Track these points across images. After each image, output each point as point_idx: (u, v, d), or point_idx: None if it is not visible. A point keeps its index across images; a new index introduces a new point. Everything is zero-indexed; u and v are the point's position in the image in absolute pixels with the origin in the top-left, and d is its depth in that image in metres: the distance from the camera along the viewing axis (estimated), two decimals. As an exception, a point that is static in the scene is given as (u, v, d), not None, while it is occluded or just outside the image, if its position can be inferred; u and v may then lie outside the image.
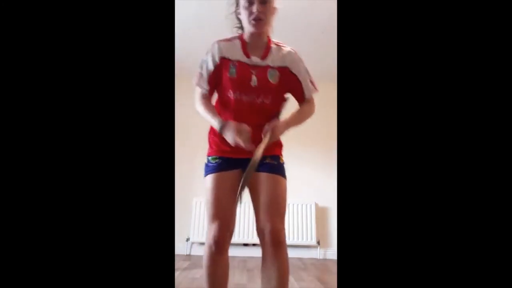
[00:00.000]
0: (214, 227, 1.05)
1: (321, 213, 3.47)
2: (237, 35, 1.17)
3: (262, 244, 1.05)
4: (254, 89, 1.09)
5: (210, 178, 1.10)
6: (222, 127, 1.04)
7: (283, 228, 1.05)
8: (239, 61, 1.10)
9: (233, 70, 1.10)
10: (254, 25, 1.07)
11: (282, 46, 1.16)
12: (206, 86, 1.14)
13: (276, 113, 1.16)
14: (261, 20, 1.07)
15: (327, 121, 3.48)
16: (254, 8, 1.05)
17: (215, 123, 1.08)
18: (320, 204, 3.50)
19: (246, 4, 1.07)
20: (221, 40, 1.14)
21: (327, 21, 2.59)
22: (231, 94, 1.11)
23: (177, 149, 3.28)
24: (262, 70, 1.10)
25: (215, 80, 1.13)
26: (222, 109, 1.17)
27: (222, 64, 1.11)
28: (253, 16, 1.06)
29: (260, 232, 1.04)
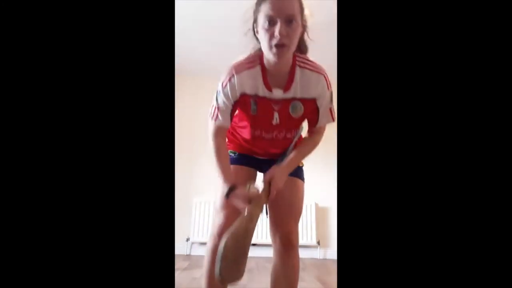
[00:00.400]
0: (220, 217, 1.03)
1: (321, 213, 3.47)
2: (256, 54, 0.96)
3: (275, 246, 1.03)
4: (275, 126, 0.99)
5: None
6: (229, 193, 0.95)
7: (297, 231, 1.04)
8: (259, 97, 0.95)
9: (254, 107, 0.96)
10: (276, 54, 0.85)
11: (310, 68, 0.95)
12: (227, 122, 0.99)
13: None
14: (284, 47, 0.85)
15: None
16: (277, 30, 0.83)
17: (222, 182, 0.98)
18: (320, 204, 3.50)
19: (266, 25, 0.85)
20: (240, 67, 0.94)
21: (327, 21, 2.59)
22: (252, 129, 1.03)
23: (177, 149, 3.29)
24: (284, 105, 0.96)
25: (234, 112, 1.00)
26: (240, 130, 1.09)
27: (242, 99, 0.96)
28: (275, 41, 0.84)
29: (274, 233, 1.03)
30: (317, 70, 0.96)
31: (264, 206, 0.97)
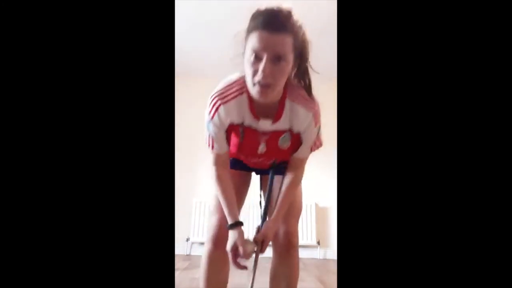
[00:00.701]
0: (213, 220, 1.03)
1: (321, 213, 3.47)
2: (243, 80, 0.87)
3: (275, 246, 1.03)
4: (261, 155, 0.97)
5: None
6: (230, 228, 0.94)
7: (297, 231, 1.04)
8: (245, 127, 0.90)
9: (242, 135, 0.92)
10: (258, 92, 0.77)
11: (301, 103, 0.87)
12: (225, 148, 0.95)
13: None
14: (268, 87, 0.76)
15: (327, 121, 3.48)
16: (261, 68, 0.74)
17: (227, 215, 0.96)
18: (320, 204, 3.50)
19: (252, 59, 0.76)
20: (225, 97, 0.87)
21: (327, 21, 2.59)
22: (237, 154, 1.02)
23: (177, 149, 3.29)
24: (272, 137, 0.91)
25: (230, 138, 0.96)
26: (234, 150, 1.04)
27: (230, 128, 0.92)
28: (257, 78, 0.76)
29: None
30: (307, 106, 0.89)
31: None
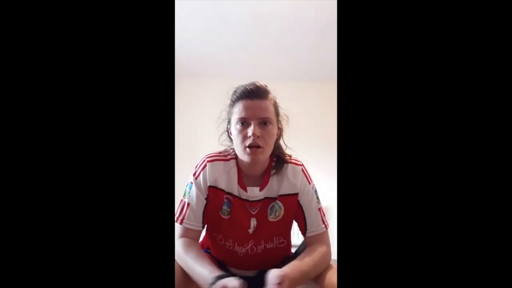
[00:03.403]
0: (177, 243, 0.83)
1: (321, 213, 3.47)
2: (232, 152, 0.88)
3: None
4: (252, 236, 0.83)
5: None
6: (215, 283, 0.69)
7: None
8: (233, 196, 0.83)
9: (227, 209, 0.82)
10: (249, 154, 0.78)
11: (286, 162, 0.85)
12: (199, 224, 0.81)
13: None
14: (258, 148, 0.78)
15: (327, 121, 3.48)
16: (250, 131, 0.77)
17: (203, 276, 0.71)
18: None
19: (239, 126, 0.79)
20: (214, 157, 0.85)
21: (327, 21, 2.59)
22: (221, 239, 0.85)
23: (177, 150, 3.28)
24: (262, 208, 0.83)
25: (207, 214, 0.82)
26: (212, 245, 0.90)
27: (213, 193, 0.83)
28: (248, 142, 0.78)
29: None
30: (292, 161, 0.87)
31: None
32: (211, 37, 2.88)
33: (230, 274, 0.73)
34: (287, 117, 0.88)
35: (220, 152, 0.89)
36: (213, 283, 0.69)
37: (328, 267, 0.82)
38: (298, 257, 0.80)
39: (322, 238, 0.85)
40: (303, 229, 0.87)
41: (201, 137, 3.52)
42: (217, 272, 0.72)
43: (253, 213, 0.83)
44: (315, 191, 0.87)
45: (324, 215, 0.87)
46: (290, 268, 0.74)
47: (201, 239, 0.91)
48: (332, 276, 0.78)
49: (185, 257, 0.76)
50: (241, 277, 0.76)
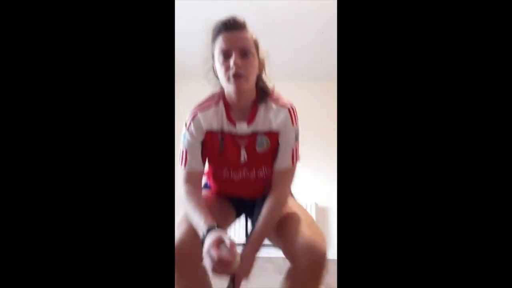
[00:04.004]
0: (177, 233, 0.88)
1: (321, 213, 3.47)
2: (218, 93, 0.96)
3: (296, 271, 0.91)
4: (244, 164, 0.94)
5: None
6: (205, 236, 0.78)
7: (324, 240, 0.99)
8: (225, 133, 0.93)
9: (221, 144, 0.92)
10: (233, 84, 0.85)
11: (275, 101, 0.93)
12: (199, 165, 0.94)
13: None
14: (240, 77, 0.84)
15: (327, 121, 3.48)
16: (232, 61, 0.84)
17: (200, 226, 0.82)
18: (320, 204, 3.50)
19: (221, 57, 0.86)
20: (203, 106, 0.94)
21: (327, 21, 2.59)
22: (218, 170, 0.98)
23: (177, 149, 3.28)
24: (250, 140, 0.92)
25: (205, 155, 0.95)
26: (213, 178, 1.04)
27: (209, 137, 0.93)
28: (231, 72, 0.84)
29: (293, 254, 0.89)
30: (280, 103, 0.93)
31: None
32: (211, 37, 2.88)
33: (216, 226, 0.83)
34: (267, 52, 0.94)
35: (208, 97, 0.97)
36: (204, 235, 0.79)
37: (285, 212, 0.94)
38: (255, 233, 0.89)
39: (285, 173, 0.94)
40: (273, 161, 0.96)
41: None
42: (209, 222, 0.82)
43: (243, 145, 0.93)
44: (297, 132, 0.94)
45: (297, 154, 0.95)
46: (245, 256, 0.85)
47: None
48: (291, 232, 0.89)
49: (187, 205, 0.89)
50: (237, 200, 1.04)
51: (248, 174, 0.96)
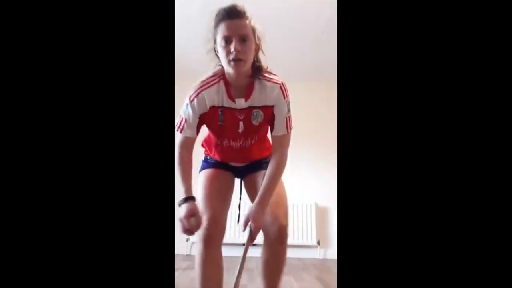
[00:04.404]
0: (205, 219, 1.04)
1: (321, 213, 3.47)
2: (218, 71, 1.09)
3: (267, 240, 1.12)
4: (241, 134, 1.11)
5: (205, 172, 1.21)
6: (181, 204, 1.01)
7: (288, 225, 1.12)
8: (225, 108, 1.07)
9: (222, 117, 1.07)
10: (233, 67, 0.97)
11: (266, 79, 1.07)
12: (194, 133, 1.09)
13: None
14: (240, 61, 0.97)
15: (327, 121, 3.48)
16: (232, 47, 0.95)
17: (182, 191, 1.04)
18: (320, 204, 3.49)
19: (223, 43, 0.97)
20: (206, 84, 1.06)
21: (327, 21, 2.59)
22: (220, 139, 1.14)
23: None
24: (247, 113, 1.07)
25: (201, 124, 1.11)
26: (211, 144, 1.20)
27: (211, 111, 1.07)
28: (231, 57, 0.96)
29: (269, 228, 1.09)
30: (272, 81, 1.07)
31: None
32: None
33: (193, 198, 1.03)
34: (263, 33, 1.07)
35: (211, 76, 1.09)
36: (179, 204, 1.01)
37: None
38: (263, 187, 1.09)
39: (282, 138, 1.12)
40: (272, 130, 1.14)
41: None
42: (189, 194, 1.03)
43: (241, 118, 1.08)
44: (288, 104, 1.10)
45: (290, 123, 1.12)
46: (254, 208, 1.06)
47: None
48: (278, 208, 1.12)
49: (176, 169, 1.07)
50: (234, 167, 1.23)
51: (244, 143, 1.13)
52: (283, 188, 1.19)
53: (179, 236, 3.35)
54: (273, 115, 1.09)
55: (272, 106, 1.08)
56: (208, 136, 1.23)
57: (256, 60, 1.07)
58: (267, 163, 1.13)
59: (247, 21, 0.99)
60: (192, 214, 0.98)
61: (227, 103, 1.06)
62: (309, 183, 3.49)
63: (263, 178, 1.10)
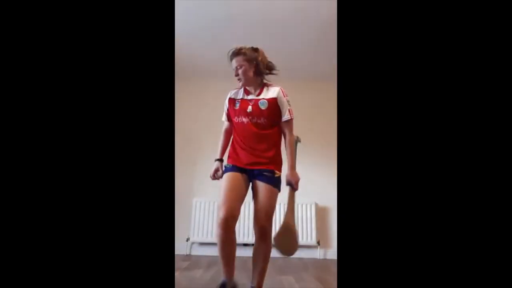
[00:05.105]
0: (223, 209, 1.42)
1: (321, 213, 3.47)
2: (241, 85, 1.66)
3: (255, 236, 1.54)
4: (250, 113, 1.60)
5: (226, 175, 1.56)
6: (215, 161, 1.64)
7: (270, 226, 1.51)
8: (241, 99, 1.65)
9: (238, 104, 1.64)
10: (238, 83, 1.61)
11: (271, 85, 1.65)
12: (225, 120, 1.71)
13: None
14: (240, 81, 1.58)
15: (327, 121, 3.48)
16: (235, 73, 1.58)
17: (218, 153, 1.68)
18: (320, 204, 3.50)
19: (234, 71, 1.59)
20: (235, 89, 1.68)
21: (327, 21, 2.59)
22: (235, 118, 1.64)
23: (177, 150, 3.29)
24: (256, 101, 1.61)
25: (230, 114, 1.67)
26: (234, 132, 1.69)
27: (231, 102, 1.65)
28: (236, 77, 1.58)
29: (254, 227, 1.51)
30: (274, 85, 1.64)
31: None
32: (211, 37, 2.89)
33: (222, 160, 1.66)
34: (264, 53, 1.64)
35: (238, 87, 1.68)
36: (214, 161, 1.65)
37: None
38: (288, 157, 1.61)
39: (289, 122, 1.62)
40: (280, 117, 1.62)
41: (201, 136, 3.52)
42: (220, 156, 1.67)
43: (251, 104, 1.60)
44: (288, 101, 1.61)
45: (291, 112, 1.61)
46: (290, 175, 1.58)
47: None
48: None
49: (220, 137, 1.73)
50: (247, 171, 1.59)
51: (251, 120, 1.59)
52: (274, 198, 1.55)
53: (179, 236, 3.34)
54: (278, 107, 1.59)
55: (275, 98, 1.59)
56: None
57: (263, 78, 1.65)
58: (267, 176, 1.52)
59: (243, 57, 1.56)
60: (217, 170, 1.61)
61: (243, 96, 1.65)
62: (309, 183, 3.49)
63: (262, 189, 1.51)
